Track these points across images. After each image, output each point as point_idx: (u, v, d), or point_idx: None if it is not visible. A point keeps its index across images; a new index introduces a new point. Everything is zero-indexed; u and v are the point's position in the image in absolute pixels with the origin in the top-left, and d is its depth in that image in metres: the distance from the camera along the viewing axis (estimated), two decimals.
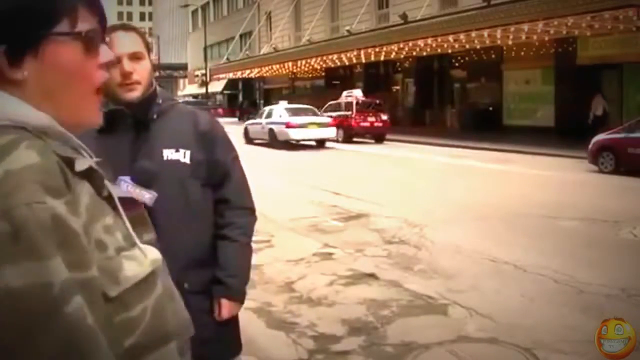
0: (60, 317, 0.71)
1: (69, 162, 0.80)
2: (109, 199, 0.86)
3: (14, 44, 0.83)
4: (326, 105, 26.84)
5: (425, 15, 25.32)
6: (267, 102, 41.64)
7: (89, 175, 0.84)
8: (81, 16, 0.86)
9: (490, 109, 26.10)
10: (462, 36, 21.24)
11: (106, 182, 0.87)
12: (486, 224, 8.34)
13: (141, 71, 1.97)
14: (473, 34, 20.74)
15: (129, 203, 0.88)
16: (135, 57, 1.96)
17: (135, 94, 1.96)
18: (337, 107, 25.32)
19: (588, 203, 9.82)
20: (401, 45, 24.61)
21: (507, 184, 12.20)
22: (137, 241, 0.86)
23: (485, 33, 20.51)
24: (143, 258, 0.85)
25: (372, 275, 6.00)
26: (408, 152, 19.99)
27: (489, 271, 6.14)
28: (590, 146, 14.35)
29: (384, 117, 24.31)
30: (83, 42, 0.86)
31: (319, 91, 37.68)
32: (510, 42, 22.12)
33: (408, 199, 10.42)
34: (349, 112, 24.15)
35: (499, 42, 22.18)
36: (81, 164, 0.82)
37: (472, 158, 17.26)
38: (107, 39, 2.04)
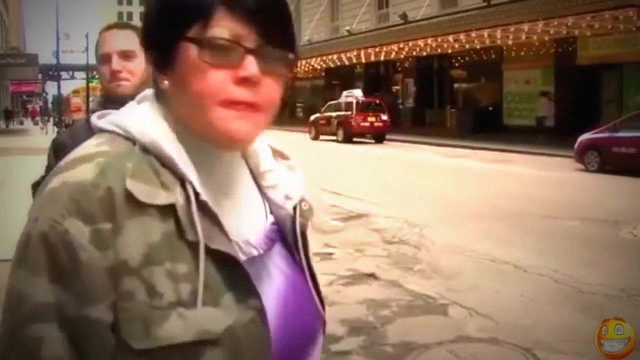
0: (13, 336, 0.69)
1: (128, 193, 0.72)
2: (194, 245, 0.73)
3: (160, 50, 0.78)
4: (326, 105, 26.84)
5: (425, 15, 25.34)
6: None
7: (167, 212, 0.73)
8: (217, 20, 0.75)
9: (490, 109, 26.10)
10: (462, 36, 21.27)
11: (219, 232, 0.75)
12: (486, 224, 8.33)
13: (133, 69, 1.95)
14: (473, 34, 20.76)
15: (225, 258, 0.75)
16: (126, 55, 1.95)
17: (123, 90, 1.93)
18: (337, 107, 25.32)
19: (587, 203, 9.82)
20: (401, 45, 24.63)
21: (507, 184, 12.20)
22: (200, 303, 0.72)
23: (485, 33, 20.53)
24: (195, 323, 0.71)
25: (372, 275, 5.99)
26: (408, 152, 19.99)
27: (489, 271, 6.14)
28: (576, 145, 14.41)
29: (384, 117, 24.31)
30: (210, 50, 0.75)
31: (319, 91, 37.69)
32: (510, 42, 22.14)
33: (408, 199, 10.41)
34: (349, 112, 24.15)
35: (499, 42, 22.19)
36: (151, 197, 0.73)
37: (472, 158, 17.26)
38: (100, 37, 2.04)
